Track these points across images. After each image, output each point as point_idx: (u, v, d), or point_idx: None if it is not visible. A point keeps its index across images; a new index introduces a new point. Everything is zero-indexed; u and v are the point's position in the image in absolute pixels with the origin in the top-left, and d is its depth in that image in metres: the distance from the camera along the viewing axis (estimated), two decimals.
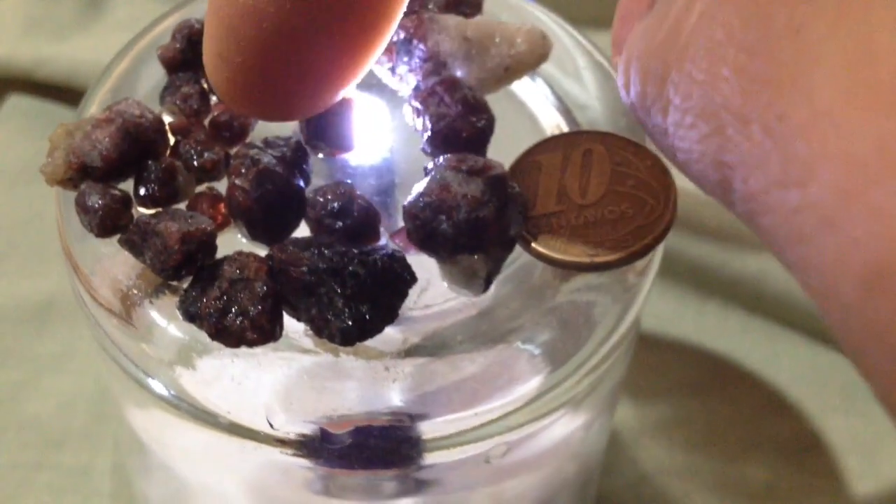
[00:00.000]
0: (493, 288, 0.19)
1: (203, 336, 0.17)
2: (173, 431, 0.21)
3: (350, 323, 0.17)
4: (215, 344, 0.17)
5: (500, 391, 0.19)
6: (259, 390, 0.19)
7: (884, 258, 0.12)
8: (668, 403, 0.33)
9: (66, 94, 0.38)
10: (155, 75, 0.21)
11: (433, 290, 0.19)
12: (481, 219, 0.17)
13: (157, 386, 0.19)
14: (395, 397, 0.19)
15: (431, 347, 0.19)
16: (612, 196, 0.19)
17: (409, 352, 0.19)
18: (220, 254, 0.18)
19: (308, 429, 0.19)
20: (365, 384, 0.19)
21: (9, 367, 0.31)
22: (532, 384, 0.19)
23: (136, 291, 0.19)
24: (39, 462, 0.30)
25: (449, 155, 0.18)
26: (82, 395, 0.31)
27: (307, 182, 0.19)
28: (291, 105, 0.17)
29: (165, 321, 0.19)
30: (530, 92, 0.22)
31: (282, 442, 0.19)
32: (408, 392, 0.19)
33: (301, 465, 0.20)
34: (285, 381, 0.19)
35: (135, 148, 0.18)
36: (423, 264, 0.18)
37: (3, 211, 0.36)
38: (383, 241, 0.19)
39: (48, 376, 0.31)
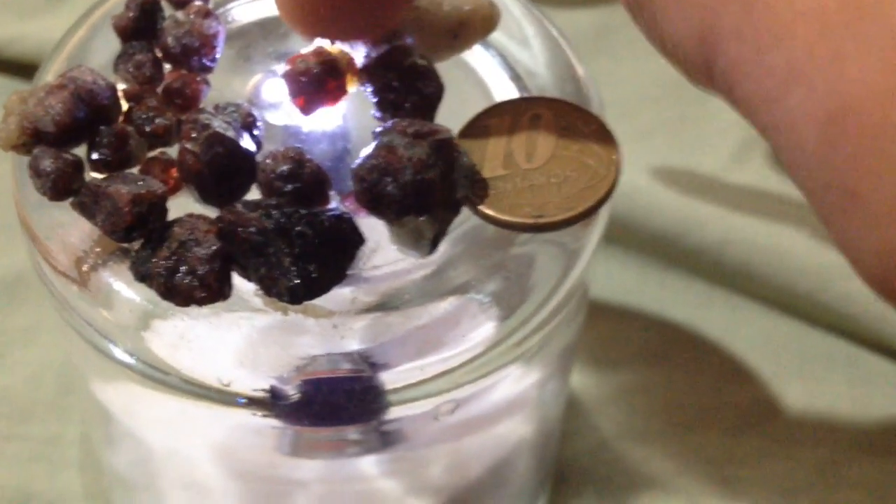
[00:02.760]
0: (442, 248, 0.19)
1: (160, 301, 0.18)
2: (136, 398, 0.22)
3: (297, 282, 0.17)
4: (172, 308, 0.18)
5: (450, 341, 0.20)
6: (217, 351, 0.19)
7: (842, 103, 0.12)
8: (628, 371, 0.33)
9: (34, 72, 0.39)
10: (110, 44, 0.21)
11: (383, 252, 0.20)
12: (427, 181, 0.18)
13: (118, 352, 0.20)
14: (348, 351, 0.20)
15: (381, 305, 0.19)
16: (557, 160, 0.20)
17: (359, 310, 0.19)
18: (171, 218, 0.18)
19: (266, 385, 0.19)
20: (319, 340, 0.19)
21: None
22: (482, 333, 0.20)
23: (93, 258, 0.19)
24: (7, 434, 0.30)
25: (396, 119, 0.19)
26: (51, 368, 0.31)
27: (259, 147, 0.19)
28: (356, 23, 0.18)
29: (123, 286, 0.19)
30: (481, 60, 0.23)
31: (241, 399, 0.19)
32: (359, 346, 0.19)
33: (265, 424, 0.20)
34: (243, 340, 0.19)
35: (87, 113, 0.18)
36: (373, 227, 0.19)
37: None
38: (334, 204, 0.19)
39: (17, 350, 0.32)
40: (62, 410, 0.31)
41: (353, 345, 0.19)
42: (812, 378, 0.33)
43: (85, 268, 0.19)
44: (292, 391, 0.19)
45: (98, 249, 0.19)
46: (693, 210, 0.35)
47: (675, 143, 0.38)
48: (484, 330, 0.20)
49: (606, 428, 0.32)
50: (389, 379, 0.20)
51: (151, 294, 0.18)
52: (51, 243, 0.20)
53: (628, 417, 0.32)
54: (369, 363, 0.19)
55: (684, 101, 0.40)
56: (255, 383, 0.19)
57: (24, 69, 0.39)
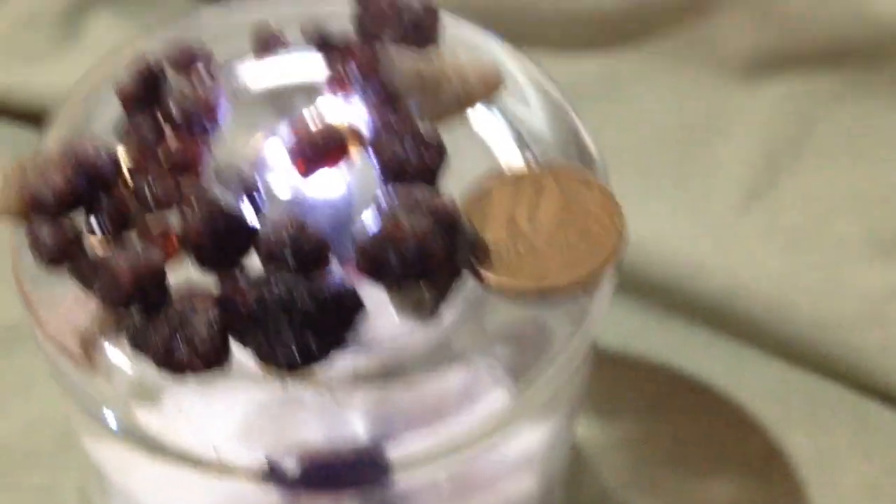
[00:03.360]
0: (445, 312, 0.19)
1: (155, 370, 0.18)
2: (130, 462, 0.21)
3: (295, 351, 0.17)
4: (167, 377, 0.18)
5: (454, 410, 0.20)
6: (212, 421, 0.19)
7: None
8: (632, 419, 0.33)
9: (41, 119, 0.39)
10: (112, 107, 0.21)
11: (384, 319, 0.19)
12: (429, 251, 0.18)
13: (111, 419, 0.20)
14: (348, 423, 0.19)
15: (382, 374, 0.19)
16: (561, 225, 0.20)
17: (361, 379, 0.19)
18: (171, 281, 0.18)
19: (263, 459, 0.19)
20: (319, 411, 0.19)
21: None
22: (488, 399, 0.20)
23: (88, 326, 0.19)
24: (4, 483, 0.30)
25: (398, 187, 0.19)
26: (49, 418, 0.31)
27: (259, 211, 0.19)
28: None
29: (118, 355, 0.19)
30: (484, 121, 0.23)
31: (238, 472, 0.19)
32: (360, 416, 0.19)
33: (261, 493, 0.20)
34: (242, 411, 0.19)
35: (87, 183, 0.18)
36: (373, 293, 0.19)
37: None
38: (333, 270, 0.19)
39: (15, 399, 0.31)
40: (60, 461, 0.30)
41: (354, 415, 0.19)
42: (819, 427, 0.33)
43: (80, 335, 0.19)
44: (290, 464, 0.19)
45: (93, 316, 0.19)
46: (699, 257, 0.34)
47: (680, 188, 0.38)
48: (490, 396, 0.20)
49: (610, 477, 0.32)
50: (391, 450, 0.19)
51: (146, 363, 0.18)
52: (46, 311, 0.20)
53: (633, 467, 0.32)
54: (370, 435, 0.19)
55: (690, 145, 0.40)
56: (251, 455, 0.19)
57: (29, 116, 0.39)
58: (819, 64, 0.41)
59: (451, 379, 0.20)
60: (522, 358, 0.20)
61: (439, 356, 0.20)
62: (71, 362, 0.19)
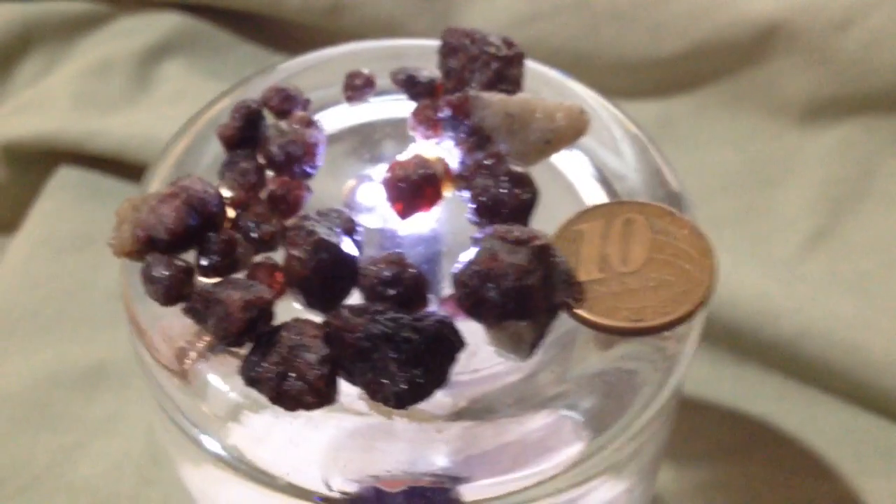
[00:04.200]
0: (537, 352, 0.19)
1: (255, 394, 0.18)
2: (228, 489, 0.22)
3: (404, 387, 0.17)
4: (262, 404, 0.18)
5: (542, 457, 0.20)
6: (311, 450, 0.19)
7: None
8: (706, 466, 0.33)
9: (115, 166, 0.40)
10: (212, 151, 0.22)
11: (480, 355, 0.20)
12: (528, 287, 0.18)
13: (207, 441, 0.20)
14: (441, 459, 0.20)
15: (478, 411, 0.20)
16: (652, 263, 0.20)
17: (458, 415, 0.19)
18: (276, 321, 0.19)
19: (359, 489, 0.19)
20: (413, 446, 0.19)
21: (60, 431, 0.32)
22: (573, 450, 0.20)
23: (192, 351, 0.20)
24: None
25: (496, 225, 0.19)
26: (131, 458, 0.31)
27: (359, 251, 0.20)
28: None
29: (218, 380, 0.20)
30: (569, 163, 0.23)
31: (334, 502, 0.19)
32: (454, 455, 0.20)
33: None
34: (336, 441, 0.20)
35: (197, 221, 0.19)
36: (470, 329, 0.19)
37: (52, 279, 0.37)
38: (432, 307, 0.19)
39: (98, 440, 0.32)
40: (143, 501, 0.31)
41: (451, 450, 0.19)
42: (894, 472, 0.32)
43: (185, 360, 0.20)
44: (391, 498, 0.19)
45: (197, 342, 0.20)
46: (767, 302, 0.34)
47: (743, 233, 0.38)
48: (575, 446, 0.20)
49: None
50: (472, 492, 0.19)
51: (247, 388, 0.18)
52: (154, 336, 0.20)
53: None
54: (452, 475, 0.19)
55: (750, 190, 0.40)
56: (348, 486, 0.19)
57: (103, 164, 0.40)
58: (877, 108, 0.42)
59: (536, 425, 0.20)
60: (608, 408, 0.20)
61: (526, 400, 0.20)
62: (175, 382, 0.20)
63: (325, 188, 0.21)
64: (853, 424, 0.34)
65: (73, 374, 0.33)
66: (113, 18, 0.45)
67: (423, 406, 0.18)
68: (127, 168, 0.39)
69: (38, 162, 0.41)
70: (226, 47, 0.45)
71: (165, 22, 0.45)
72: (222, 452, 0.20)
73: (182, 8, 0.46)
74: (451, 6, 0.43)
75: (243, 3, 0.44)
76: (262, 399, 0.18)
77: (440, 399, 0.19)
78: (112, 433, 0.32)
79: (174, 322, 0.20)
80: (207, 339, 0.20)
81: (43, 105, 0.42)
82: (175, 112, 0.40)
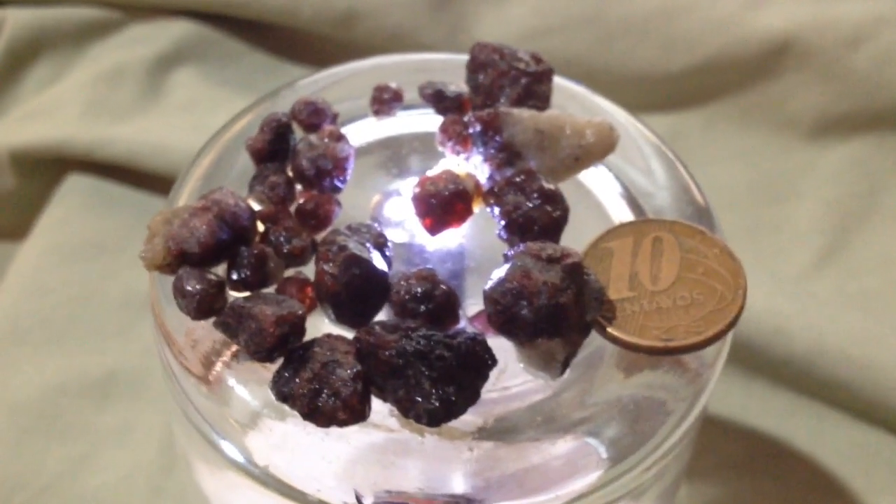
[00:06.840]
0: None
1: (273, 403, 0.18)
2: (247, 496, 0.21)
3: (437, 404, 0.17)
4: (283, 412, 0.18)
5: (562, 482, 0.19)
6: (335, 463, 0.19)
7: None
8: (716, 482, 0.33)
9: (125, 174, 0.40)
10: (240, 165, 0.22)
11: (509, 372, 0.20)
12: (561, 305, 0.18)
13: (227, 446, 0.20)
14: (464, 480, 0.19)
15: (504, 430, 0.19)
16: (682, 283, 0.20)
17: (485, 433, 0.19)
18: (306, 336, 0.18)
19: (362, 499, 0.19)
20: (438, 464, 0.19)
21: (70, 440, 0.32)
22: (594, 477, 0.20)
23: (219, 359, 0.20)
24: None
25: (528, 242, 0.19)
26: (141, 469, 0.31)
27: (389, 266, 0.20)
28: None
29: (241, 387, 0.19)
30: (597, 180, 0.23)
31: None
32: (475, 476, 0.19)
33: None
34: (360, 456, 0.19)
35: (229, 235, 0.19)
36: (500, 347, 0.19)
37: (61, 287, 0.36)
38: (462, 324, 0.19)
39: (108, 450, 0.32)
40: None
41: (464, 473, 0.19)
42: None
43: (211, 367, 0.20)
44: None
45: (223, 350, 0.20)
46: (778, 318, 0.34)
47: (753, 249, 0.38)
48: (596, 473, 0.19)
49: None
50: None
51: (267, 397, 0.18)
52: (181, 342, 0.20)
53: None
54: (472, 497, 0.19)
55: (759, 206, 0.40)
56: (349, 496, 0.19)
57: (113, 171, 0.40)
58: (887, 125, 0.42)
59: (558, 450, 0.20)
60: (631, 436, 0.20)
61: (551, 421, 0.20)
62: (201, 387, 0.20)
63: (351, 202, 0.21)
64: (863, 441, 0.34)
65: (83, 384, 0.33)
66: (124, 26, 0.45)
67: (453, 423, 0.18)
68: (137, 176, 0.39)
69: (47, 169, 0.40)
70: (237, 56, 0.45)
71: (177, 30, 0.45)
72: (242, 459, 0.20)
73: (194, 16, 0.45)
74: (463, 18, 0.43)
75: (255, 11, 0.44)
76: (286, 408, 0.18)
77: (467, 417, 0.19)
78: (122, 443, 0.32)
79: (200, 329, 0.20)
80: (233, 347, 0.19)
81: (53, 112, 0.42)
82: (186, 120, 0.40)
